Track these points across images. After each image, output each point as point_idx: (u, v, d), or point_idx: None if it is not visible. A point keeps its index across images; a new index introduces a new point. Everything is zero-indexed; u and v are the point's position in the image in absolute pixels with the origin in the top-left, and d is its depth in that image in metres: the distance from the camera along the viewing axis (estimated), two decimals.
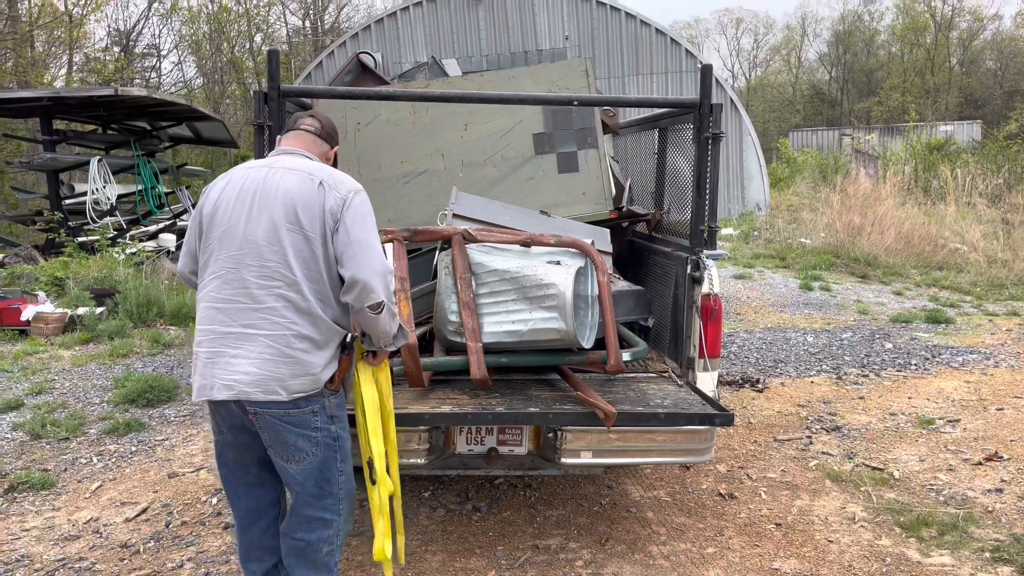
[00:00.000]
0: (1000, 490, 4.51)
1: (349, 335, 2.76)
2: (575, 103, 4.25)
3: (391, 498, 2.99)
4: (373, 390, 2.87)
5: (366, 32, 19.04)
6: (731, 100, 18.65)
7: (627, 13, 18.80)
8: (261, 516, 2.90)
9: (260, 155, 3.59)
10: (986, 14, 47.88)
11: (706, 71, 4.04)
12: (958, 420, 5.67)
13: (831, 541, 3.94)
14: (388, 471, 2.93)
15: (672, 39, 19.05)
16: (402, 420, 3.29)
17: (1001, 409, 5.89)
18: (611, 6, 18.79)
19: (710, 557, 3.79)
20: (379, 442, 2.86)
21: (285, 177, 2.67)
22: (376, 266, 2.61)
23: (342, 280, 2.65)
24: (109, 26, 28.56)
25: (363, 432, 2.88)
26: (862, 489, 4.54)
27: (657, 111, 4.97)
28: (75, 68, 23.12)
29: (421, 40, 18.86)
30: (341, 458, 2.77)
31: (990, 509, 4.28)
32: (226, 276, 2.62)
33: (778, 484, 4.63)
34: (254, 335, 2.57)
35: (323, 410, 2.69)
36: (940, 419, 5.69)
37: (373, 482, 2.85)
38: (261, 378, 2.56)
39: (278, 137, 3.01)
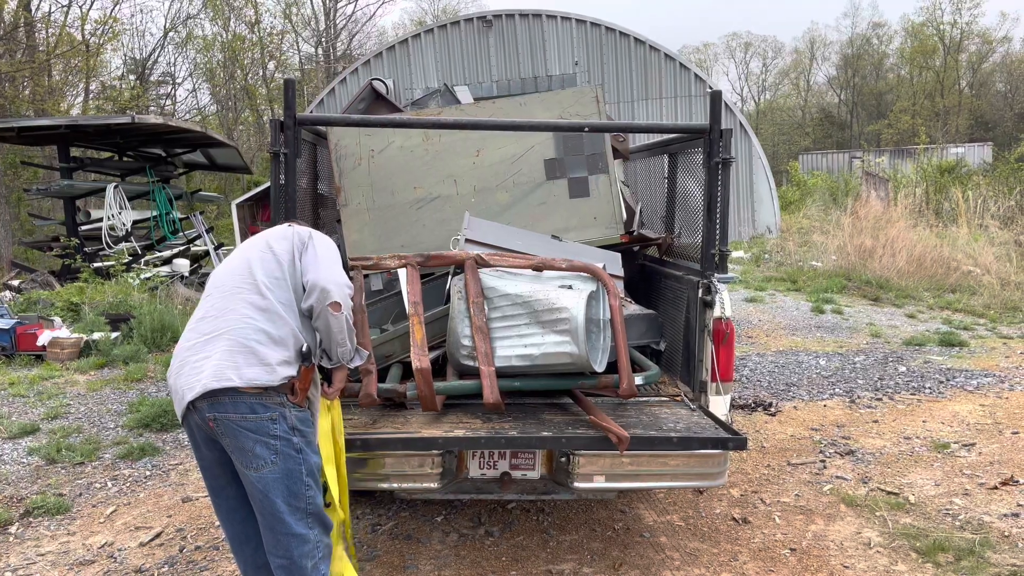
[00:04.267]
0: (1017, 515, 4.47)
1: (306, 345, 2.84)
2: (586, 130, 4.29)
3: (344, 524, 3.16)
4: (327, 419, 3.02)
5: (378, 59, 19.28)
6: (740, 123, 18.74)
7: (636, 38, 18.97)
8: (250, 536, 2.97)
9: (276, 183, 3.70)
10: (995, 37, 48.04)
11: (716, 97, 4.08)
12: (973, 444, 5.63)
13: (847, 567, 3.91)
14: (339, 501, 3.07)
15: (681, 64, 19.19)
16: (415, 444, 3.33)
17: (1017, 433, 5.85)
18: (620, 32, 18.97)
19: None
20: (331, 467, 3.00)
21: (265, 232, 3.12)
22: (335, 276, 2.88)
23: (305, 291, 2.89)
24: (125, 55, 29.04)
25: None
26: (877, 514, 4.51)
27: (667, 136, 5.02)
28: (91, 96, 23.45)
29: (432, 66, 19.08)
30: (307, 471, 2.81)
31: (1007, 534, 4.24)
32: (201, 306, 2.92)
33: (792, 509, 4.60)
34: (218, 336, 2.77)
35: (282, 419, 2.74)
36: (955, 443, 5.65)
37: (326, 504, 2.95)
38: (218, 367, 2.68)
39: None
